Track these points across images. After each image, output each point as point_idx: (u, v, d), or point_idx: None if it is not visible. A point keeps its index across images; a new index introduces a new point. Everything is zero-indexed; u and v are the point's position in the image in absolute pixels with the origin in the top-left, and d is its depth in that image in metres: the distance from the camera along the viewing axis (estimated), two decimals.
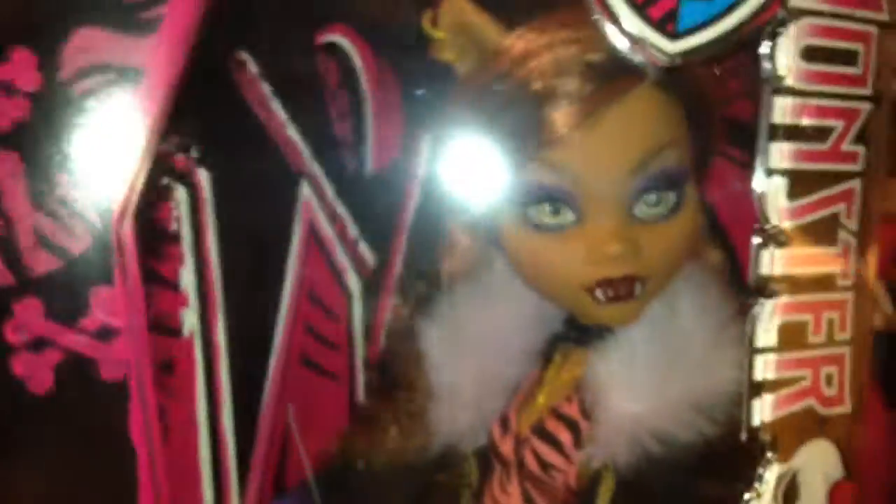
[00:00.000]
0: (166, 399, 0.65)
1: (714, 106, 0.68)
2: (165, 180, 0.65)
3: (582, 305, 0.66)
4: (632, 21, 0.55)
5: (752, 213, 0.78)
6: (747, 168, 0.80)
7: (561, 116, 0.61)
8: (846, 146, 0.59)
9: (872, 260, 0.63)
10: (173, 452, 0.65)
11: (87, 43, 0.58)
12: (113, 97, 0.59)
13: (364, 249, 0.76)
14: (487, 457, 0.75)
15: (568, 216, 0.63)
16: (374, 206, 0.76)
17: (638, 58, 0.58)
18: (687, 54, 0.56)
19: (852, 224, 0.60)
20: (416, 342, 0.76)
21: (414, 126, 0.76)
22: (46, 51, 0.58)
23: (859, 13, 0.59)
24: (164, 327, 0.66)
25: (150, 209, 0.64)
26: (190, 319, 0.67)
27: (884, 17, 0.60)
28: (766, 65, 0.56)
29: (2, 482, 0.63)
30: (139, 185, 0.60)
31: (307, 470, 0.74)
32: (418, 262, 0.78)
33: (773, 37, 0.56)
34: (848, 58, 0.59)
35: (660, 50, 0.57)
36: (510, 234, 0.67)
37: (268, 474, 0.74)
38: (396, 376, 0.75)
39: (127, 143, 0.60)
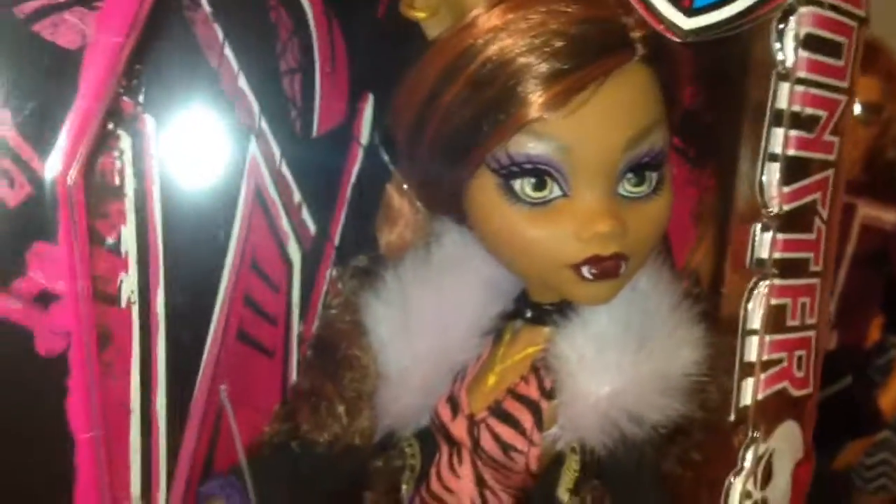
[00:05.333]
0: (100, 377, 0.57)
1: (684, 87, 0.67)
2: (111, 125, 0.56)
3: (562, 282, 0.63)
4: None
5: (682, 198, 0.79)
6: (682, 155, 0.81)
7: (548, 91, 0.58)
8: (826, 136, 0.61)
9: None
10: (104, 438, 0.57)
11: None
12: (66, 33, 0.51)
13: (307, 216, 0.70)
14: (431, 439, 0.72)
15: (554, 190, 0.61)
16: (317, 170, 0.70)
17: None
18: (699, 32, 0.56)
19: (825, 212, 0.62)
20: (359, 318, 0.71)
21: (361, 89, 0.71)
22: None
23: (846, 7, 0.60)
24: (101, 294, 0.57)
25: (93, 159, 0.55)
26: (129, 286, 0.59)
27: (862, 13, 0.62)
28: (777, 50, 0.56)
29: None
30: (92, 130, 0.52)
31: (239, 453, 0.67)
32: (360, 233, 0.73)
33: (783, 22, 0.57)
34: (835, 49, 0.60)
35: (674, 25, 0.56)
36: (484, 207, 0.63)
37: (197, 459, 0.67)
38: (340, 354, 0.70)
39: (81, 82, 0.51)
